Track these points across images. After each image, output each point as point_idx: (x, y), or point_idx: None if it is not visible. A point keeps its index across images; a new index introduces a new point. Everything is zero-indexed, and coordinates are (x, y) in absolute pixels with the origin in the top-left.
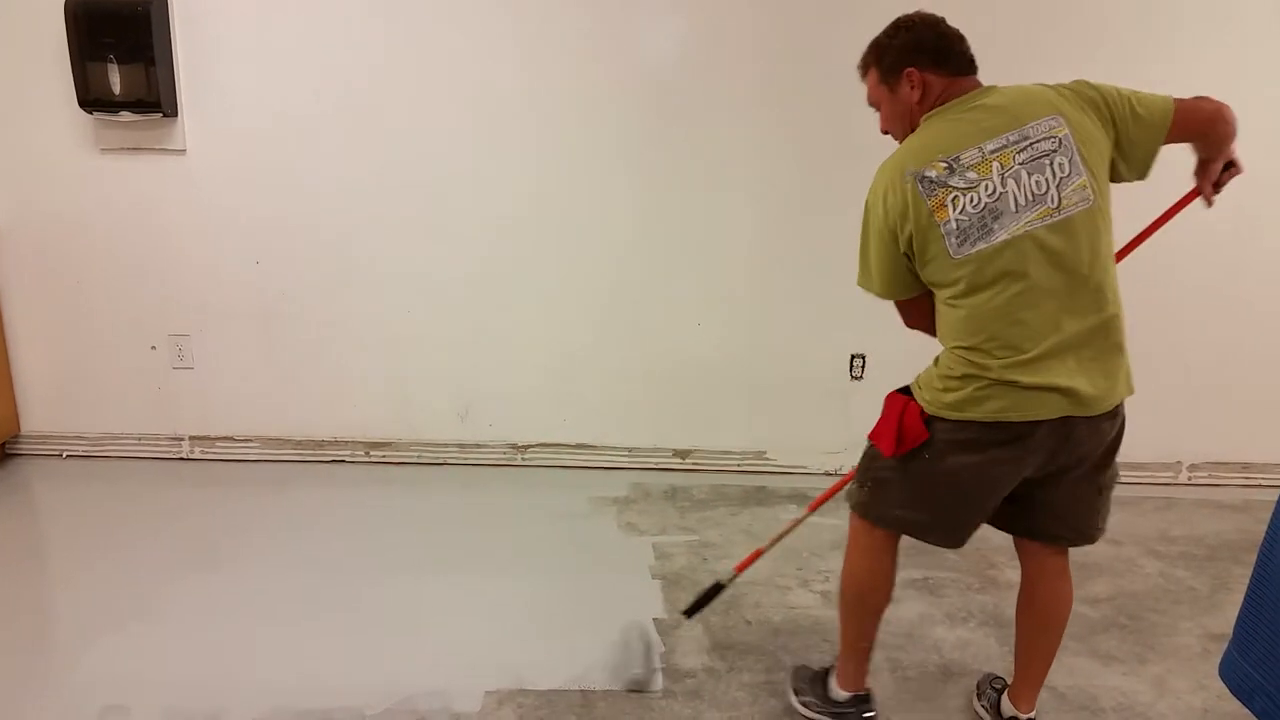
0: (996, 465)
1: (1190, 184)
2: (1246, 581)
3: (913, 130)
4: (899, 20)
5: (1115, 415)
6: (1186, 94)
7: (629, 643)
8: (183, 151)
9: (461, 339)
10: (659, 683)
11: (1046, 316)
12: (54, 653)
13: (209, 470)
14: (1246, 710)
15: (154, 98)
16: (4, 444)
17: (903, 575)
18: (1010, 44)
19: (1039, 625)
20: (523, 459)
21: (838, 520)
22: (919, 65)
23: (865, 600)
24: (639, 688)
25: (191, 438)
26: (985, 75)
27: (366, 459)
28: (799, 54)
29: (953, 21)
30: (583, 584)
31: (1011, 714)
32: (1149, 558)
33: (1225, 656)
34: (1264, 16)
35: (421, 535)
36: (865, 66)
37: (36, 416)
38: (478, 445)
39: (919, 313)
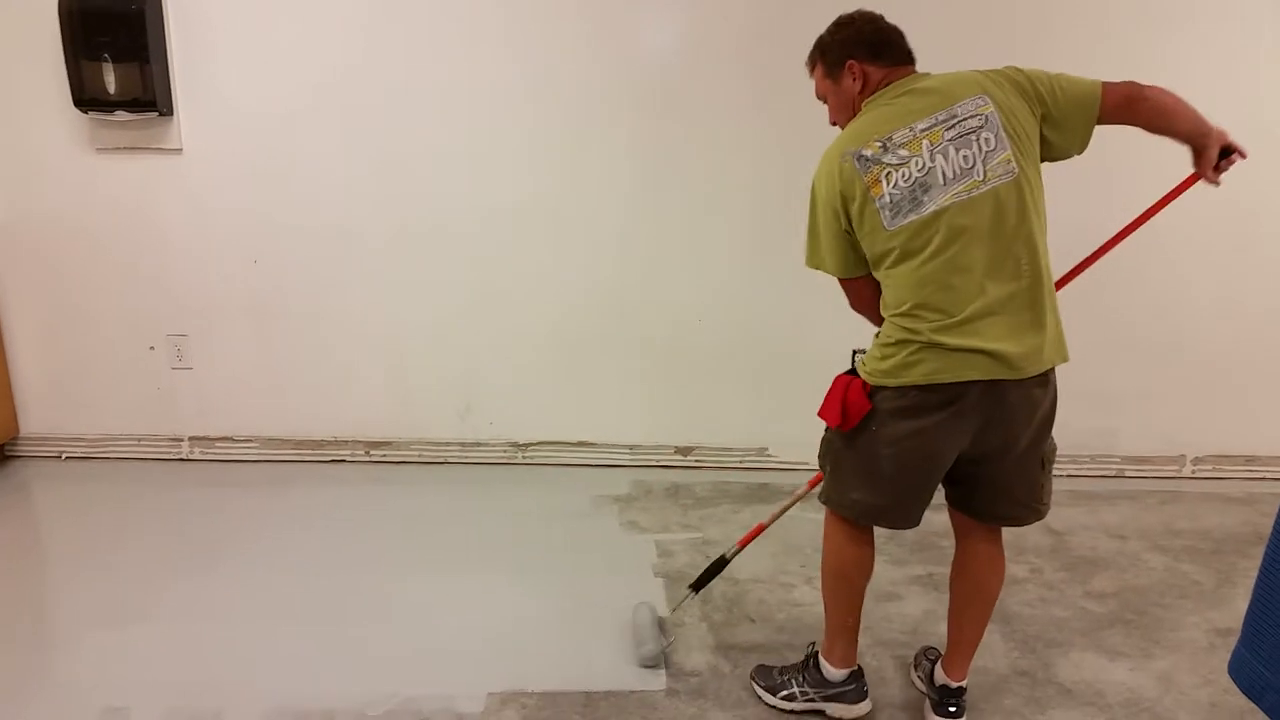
0: (935, 431)
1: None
2: (1252, 575)
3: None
4: (840, 18)
5: (1047, 383)
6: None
7: (639, 622)
8: (179, 150)
9: (461, 337)
10: (667, 663)
11: (972, 282)
12: (54, 653)
13: (208, 471)
14: (1255, 706)
15: (149, 97)
16: (3, 446)
17: (906, 572)
18: (1012, 44)
19: (972, 595)
20: (524, 457)
21: None
22: (858, 58)
23: (845, 580)
24: (652, 664)
25: (191, 438)
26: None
27: (367, 458)
28: (797, 46)
29: (955, 22)
30: (585, 583)
31: (943, 682)
32: (1154, 552)
33: (1234, 654)
34: (1265, 17)
35: (422, 535)
36: (811, 63)
37: (35, 418)
38: (478, 444)
39: (865, 295)
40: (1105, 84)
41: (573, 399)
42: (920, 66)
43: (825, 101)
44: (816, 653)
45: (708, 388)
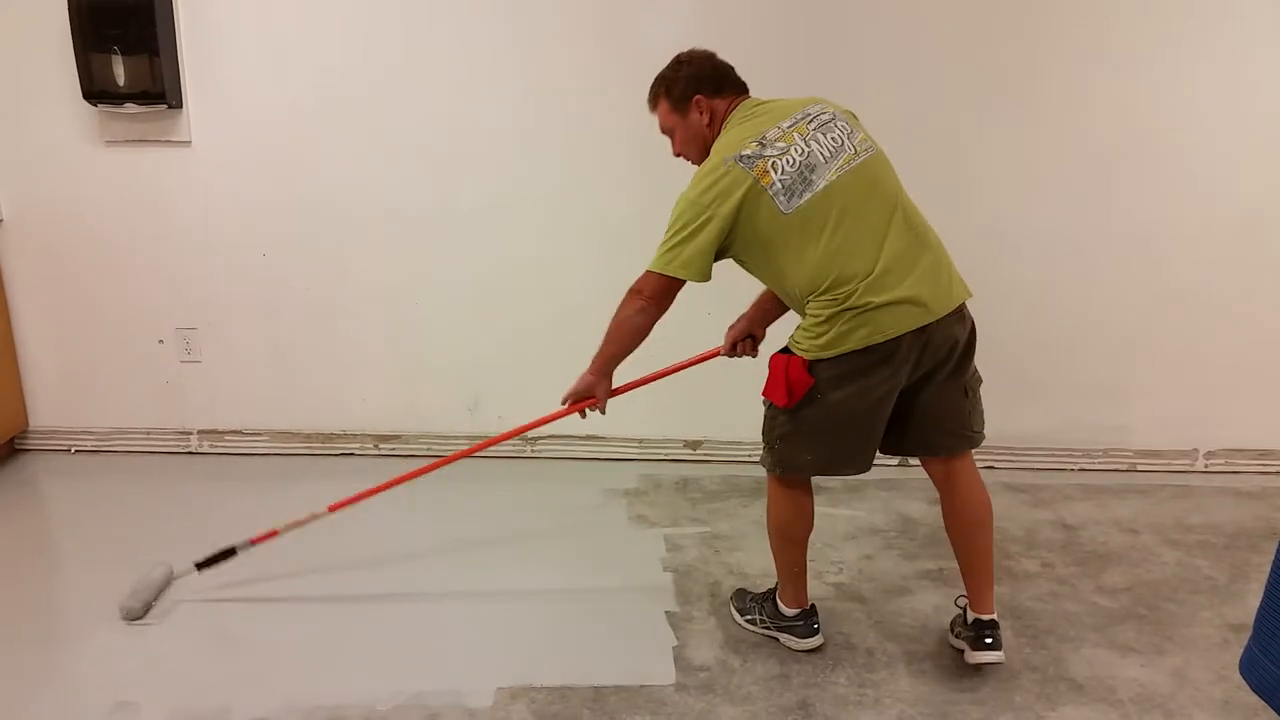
0: (877, 385)
1: None
2: (1265, 570)
3: (706, 149)
4: (679, 56)
5: (963, 318)
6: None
7: (151, 578)
8: (188, 143)
9: (470, 331)
10: (142, 613)
11: (874, 241)
12: (63, 648)
13: (218, 464)
14: (1269, 705)
15: (159, 89)
16: (13, 439)
17: (916, 566)
18: (1014, 44)
19: (967, 526)
20: (532, 451)
21: (852, 511)
22: (704, 93)
23: (791, 535)
24: (127, 617)
25: (200, 432)
26: (990, 80)
27: (376, 452)
28: (803, 42)
29: (961, 22)
30: (594, 577)
31: (975, 617)
32: (1166, 547)
33: (1245, 653)
34: (1268, 17)
35: (431, 528)
36: (655, 98)
37: (44, 412)
38: (487, 438)
39: (667, 300)
40: None
41: None
42: (933, 66)
43: (670, 135)
44: (773, 590)
45: (717, 382)
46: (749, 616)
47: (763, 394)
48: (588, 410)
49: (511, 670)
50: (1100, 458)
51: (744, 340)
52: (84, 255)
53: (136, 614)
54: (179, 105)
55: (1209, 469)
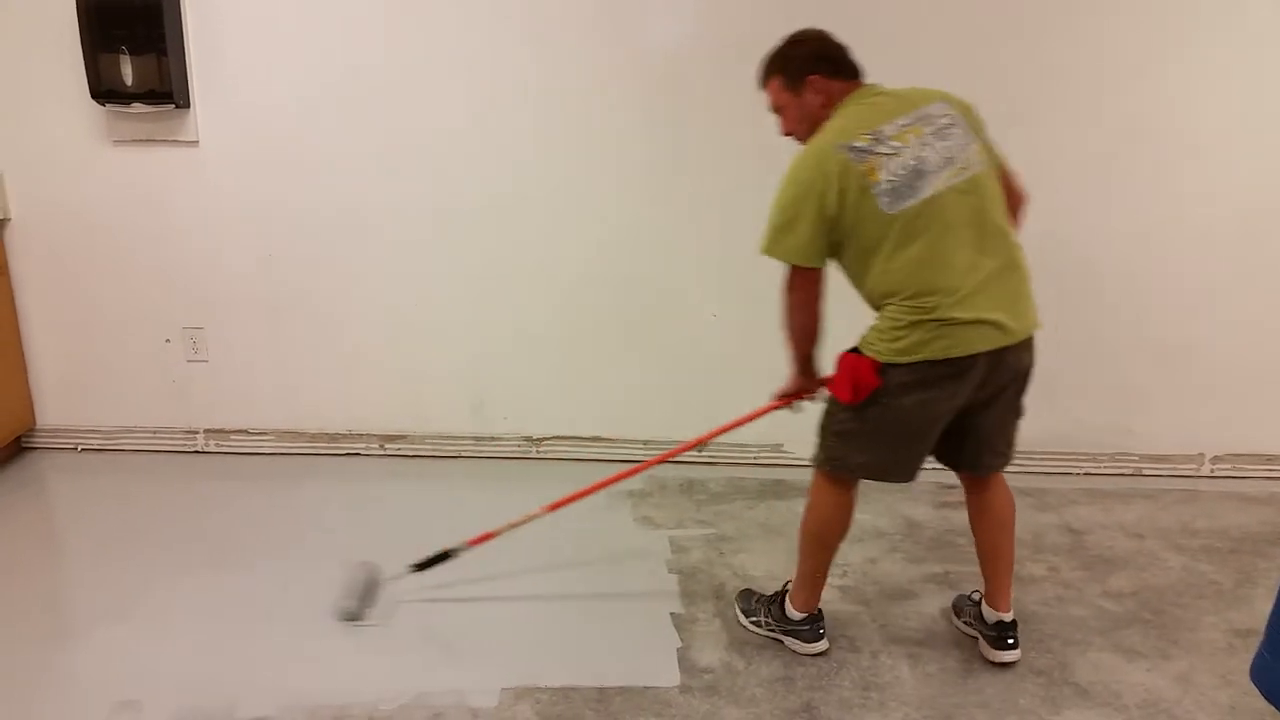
0: (942, 399)
1: None
2: (1272, 576)
3: (816, 129)
4: (794, 35)
5: (1030, 345)
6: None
7: (357, 578)
8: (195, 143)
9: (475, 331)
10: (363, 614)
11: (968, 260)
12: (68, 646)
13: (224, 463)
14: (1277, 712)
15: (166, 89)
16: (19, 438)
17: (921, 570)
18: (1018, 41)
19: (993, 528)
20: (538, 452)
21: (856, 514)
22: (822, 72)
23: (825, 538)
24: (349, 618)
25: (206, 431)
26: (999, 73)
27: (381, 452)
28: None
29: (963, 20)
30: (599, 578)
31: (997, 618)
32: (1171, 551)
33: (1256, 659)
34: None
35: (436, 529)
36: (768, 75)
37: (51, 410)
38: (492, 438)
39: (817, 288)
40: (1006, 165)
41: (587, 394)
42: (934, 65)
43: (779, 113)
44: (785, 592)
45: (722, 383)
46: (754, 618)
47: (828, 388)
48: (796, 404)
49: (516, 671)
50: (1106, 462)
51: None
52: (91, 254)
53: (355, 615)
54: (186, 105)
55: (1215, 474)
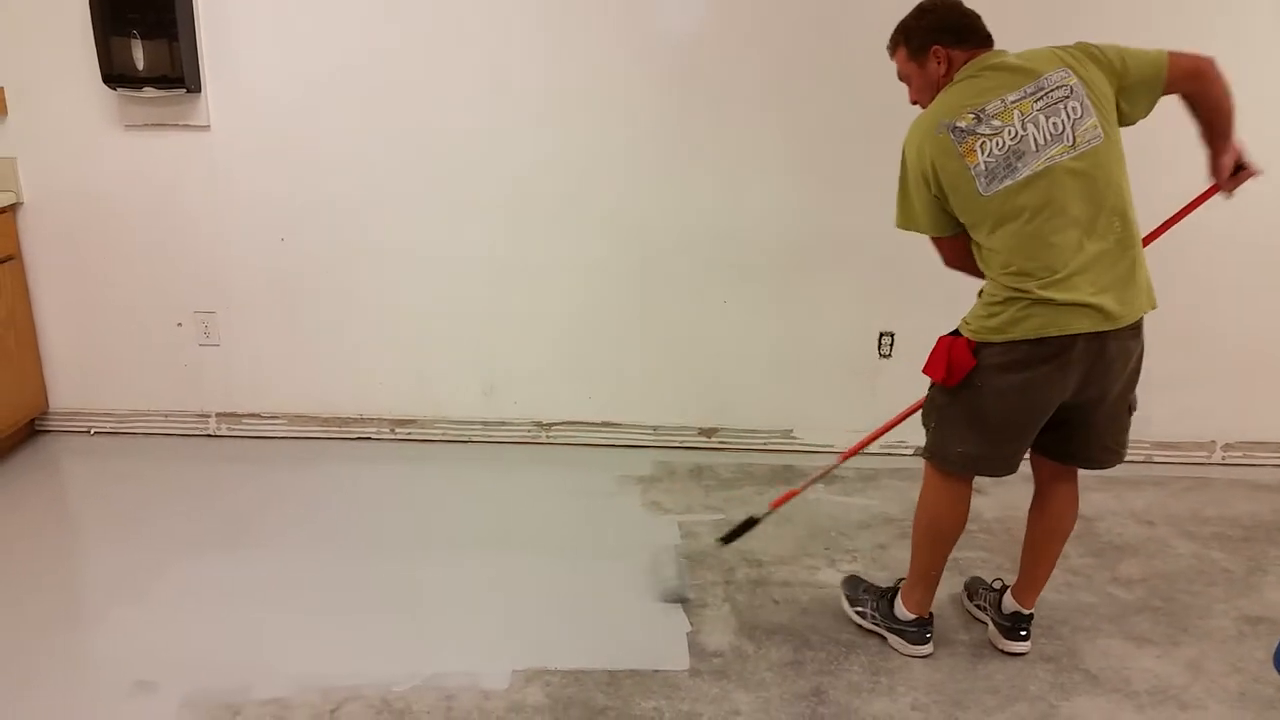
0: (1040, 382)
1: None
2: None
3: None
4: (921, 4)
5: (1139, 333)
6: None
7: (660, 562)
8: (206, 127)
9: (486, 316)
10: (689, 594)
11: (1071, 240)
12: (82, 629)
13: (236, 447)
14: None
15: (178, 73)
16: (32, 421)
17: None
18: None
19: (1049, 531)
20: (548, 436)
21: (865, 500)
22: (944, 43)
23: (939, 532)
24: (675, 599)
25: (218, 414)
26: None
27: (392, 436)
28: (829, 29)
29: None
30: (608, 562)
31: (1014, 609)
32: (1182, 539)
33: None
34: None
35: (447, 513)
36: (895, 45)
37: (64, 394)
38: (502, 423)
39: (957, 251)
40: (1171, 55)
41: (597, 379)
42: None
43: (906, 82)
44: (898, 589)
45: (732, 369)
46: (859, 608)
47: (923, 369)
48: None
49: (527, 653)
50: None
51: (1237, 172)
52: (103, 239)
53: (682, 595)
54: (198, 90)
55: (1226, 461)
